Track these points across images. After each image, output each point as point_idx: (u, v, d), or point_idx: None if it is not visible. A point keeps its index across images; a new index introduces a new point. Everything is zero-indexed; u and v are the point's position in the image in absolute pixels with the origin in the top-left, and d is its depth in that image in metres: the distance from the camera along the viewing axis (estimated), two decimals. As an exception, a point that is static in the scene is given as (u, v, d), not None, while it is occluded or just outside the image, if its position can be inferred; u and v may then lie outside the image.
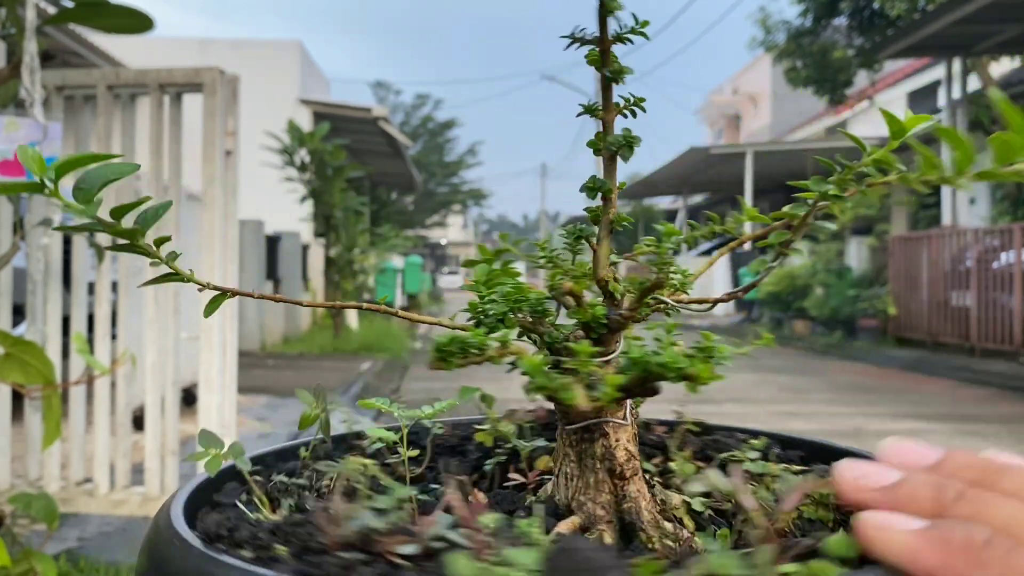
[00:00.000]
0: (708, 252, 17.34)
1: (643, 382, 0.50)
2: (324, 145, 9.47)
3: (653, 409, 0.84)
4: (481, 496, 0.58)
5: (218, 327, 2.29)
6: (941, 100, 11.91)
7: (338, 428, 0.71)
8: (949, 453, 0.41)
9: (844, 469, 0.42)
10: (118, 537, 2.79)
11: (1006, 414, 5.80)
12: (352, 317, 11.12)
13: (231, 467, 0.61)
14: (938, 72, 13.83)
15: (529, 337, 0.58)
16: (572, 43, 0.61)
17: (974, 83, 10.83)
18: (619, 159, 0.63)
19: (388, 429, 0.67)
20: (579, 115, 0.63)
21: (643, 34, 0.58)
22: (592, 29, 0.59)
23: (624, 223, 0.62)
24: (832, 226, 0.59)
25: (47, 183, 0.47)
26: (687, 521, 0.56)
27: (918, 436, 0.67)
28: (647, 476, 0.59)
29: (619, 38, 0.58)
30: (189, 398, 4.41)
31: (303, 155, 9.63)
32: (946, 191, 10.44)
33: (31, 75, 1.63)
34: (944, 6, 8.61)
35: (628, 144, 0.59)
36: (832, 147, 14.88)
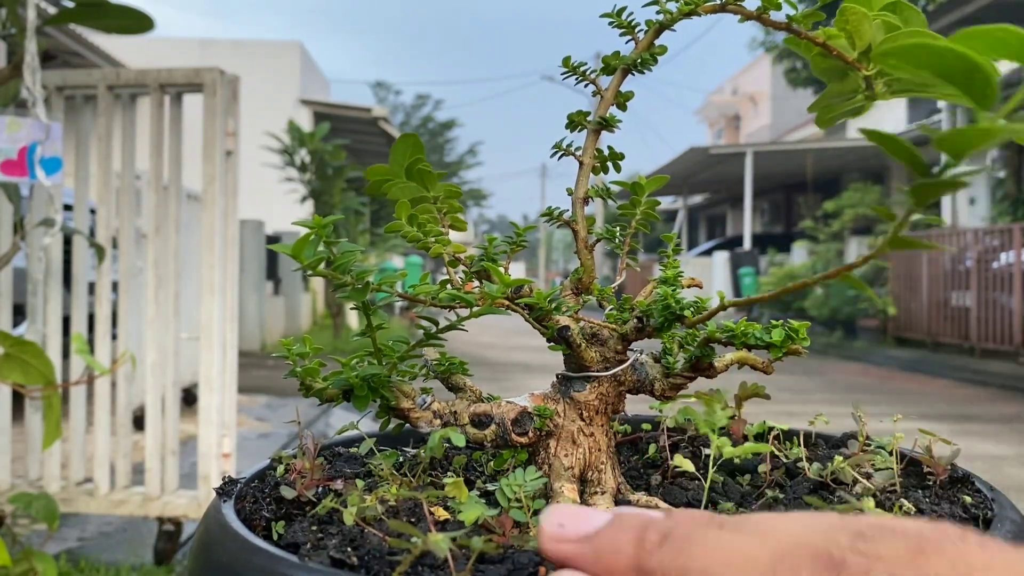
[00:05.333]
0: (708, 252, 17.34)
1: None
2: (324, 145, 9.47)
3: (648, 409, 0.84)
4: None
5: (218, 327, 2.29)
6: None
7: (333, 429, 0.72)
8: (616, 514, 0.35)
9: (545, 519, 0.35)
10: (118, 537, 2.79)
11: (1006, 414, 5.81)
12: (352, 317, 11.12)
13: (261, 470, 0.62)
14: (938, 72, 13.80)
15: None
16: (570, 74, 0.62)
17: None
18: (613, 169, 0.64)
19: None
20: (567, 125, 0.64)
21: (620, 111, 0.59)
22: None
23: (606, 236, 0.63)
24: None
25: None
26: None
27: (918, 436, 0.67)
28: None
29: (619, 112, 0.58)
30: (189, 398, 4.41)
31: (303, 155, 9.63)
32: (946, 191, 10.42)
33: (32, 75, 1.63)
34: (944, 6, 8.62)
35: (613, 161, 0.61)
36: (832, 147, 14.88)
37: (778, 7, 0.54)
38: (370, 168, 0.65)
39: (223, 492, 0.55)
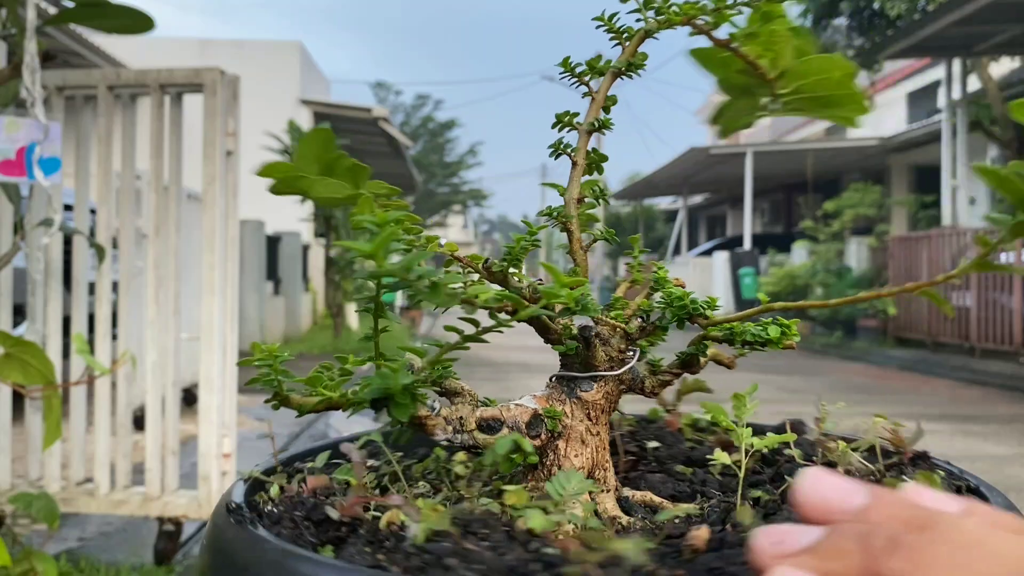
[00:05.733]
0: (708, 252, 17.33)
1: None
2: (324, 145, 9.45)
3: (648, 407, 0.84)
4: None
5: (218, 327, 2.29)
6: (941, 100, 11.92)
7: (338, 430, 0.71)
8: (876, 492, 0.36)
9: (759, 538, 0.36)
10: (118, 537, 2.79)
11: (1006, 414, 5.80)
12: (352, 317, 11.11)
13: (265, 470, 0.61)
14: (938, 72, 13.84)
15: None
16: (568, 75, 0.63)
17: (974, 83, 10.83)
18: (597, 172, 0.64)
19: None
20: (554, 125, 0.65)
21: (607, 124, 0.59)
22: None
23: (605, 238, 0.63)
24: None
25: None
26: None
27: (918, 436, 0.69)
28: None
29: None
30: (189, 398, 4.41)
31: (303, 155, 9.61)
32: (947, 192, 10.43)
33: (32, 75, 1.63)
34: (944, 6, 8.61)
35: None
36: (832, 147, 14.88)
37: (727, 19, 0.58)
38: (269, 165, 0.58)
39: (243, 518, 0.50)
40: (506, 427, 0.57)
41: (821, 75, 0.60)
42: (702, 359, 0.61)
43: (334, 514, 0.50)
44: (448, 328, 0.56)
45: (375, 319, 0.56)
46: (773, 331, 0.58)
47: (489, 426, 0.57)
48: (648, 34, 0.61)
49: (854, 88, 0.60)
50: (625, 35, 0.63)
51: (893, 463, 0.66)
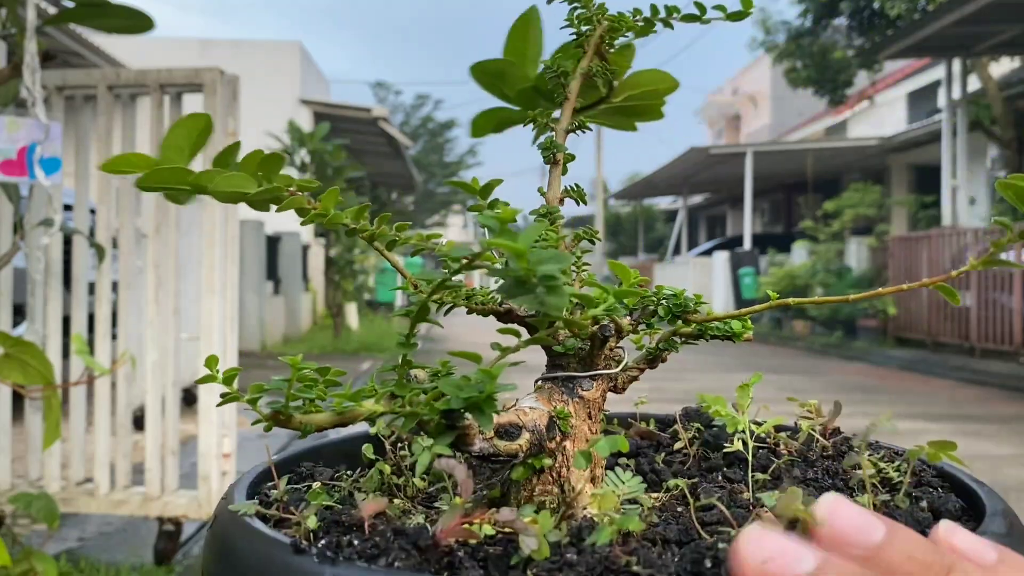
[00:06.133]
0: (708, 252, 17.34)
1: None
2: (324, 145, 9.47)
3: (656, 407, 0.84)
4: None
5: (218, 327, 2.29)
6: (941, 100, 11.91)
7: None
8: (895, 530, 0.34)
9: (746, 547, 0.32)
10: (118, 537, 2.79)
11: (1006, 414, 5.81)
12: (352, 317, 11.12)
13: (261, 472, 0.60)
14: (938, 72, 13.84)
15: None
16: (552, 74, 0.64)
17: (974, 83, 10.83)
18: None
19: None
20: (526, 123, 0.69)
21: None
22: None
23: (589, 237, 0.64)
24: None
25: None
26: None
27: (918, 436, 0.69)
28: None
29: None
30: (189, 398, 4.41)
31: (303, 155, 9.63)
32: (946, 192, 10.44)
33: (32, 75, 1.63)
34: (944, 6, 8.61)
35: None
36: (832, 147, 14.88)
37: (621, 33, 0.62)
38: (117, 157, 0.48)
39: (333, 556, 0.43)
40: (527, 432, 0.54)
41: (650, 87, 0.64)
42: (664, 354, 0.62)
43: (441, 539, 0.46)
44: (502, 330, 0.55)
45: (414, 322, 0.52)
46: (735, 325, 0.60)
47: (507, 432, 0.54)
48: (602, 40, 0.62)
49: (663, 101, 0.65)
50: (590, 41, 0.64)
51: (840, 441, 0.68)
